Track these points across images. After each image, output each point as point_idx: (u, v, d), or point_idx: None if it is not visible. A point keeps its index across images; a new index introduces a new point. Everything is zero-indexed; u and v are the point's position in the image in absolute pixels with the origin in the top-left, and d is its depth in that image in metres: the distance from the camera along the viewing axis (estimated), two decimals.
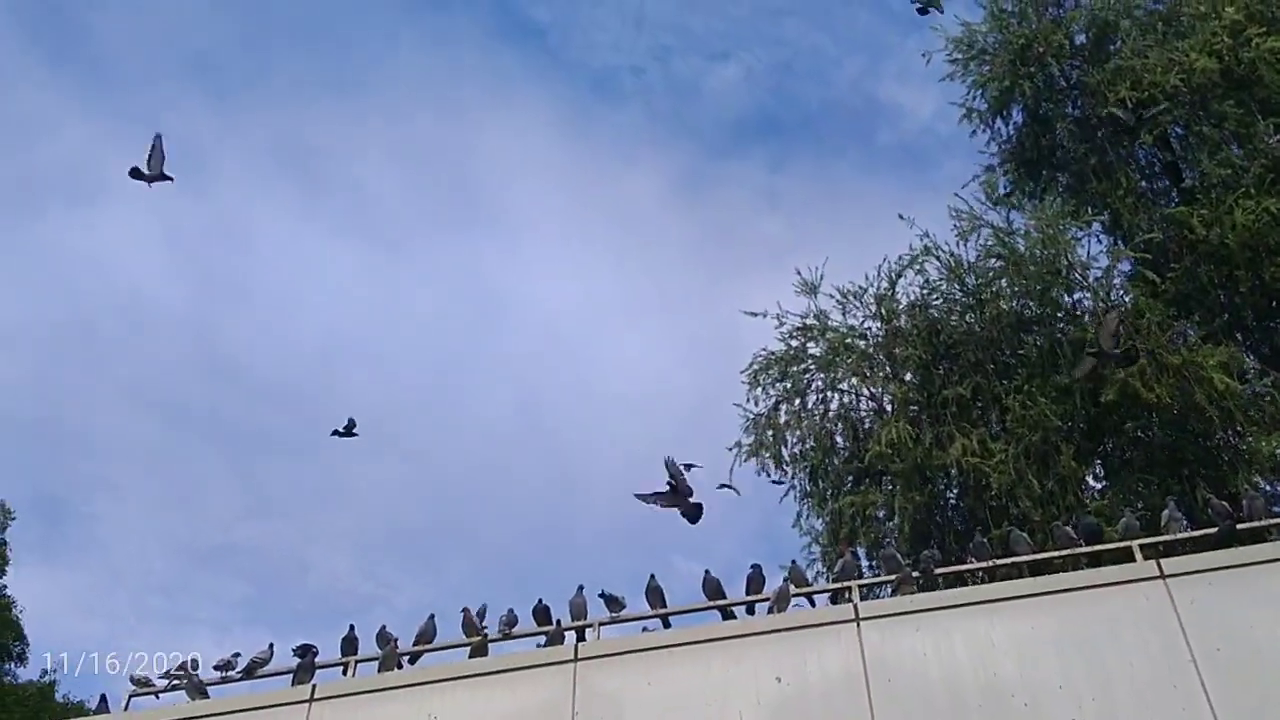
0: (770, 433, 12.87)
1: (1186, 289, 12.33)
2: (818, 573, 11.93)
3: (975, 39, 14.49)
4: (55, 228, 39.72)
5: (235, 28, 41.29)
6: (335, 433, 9.23)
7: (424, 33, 43.93)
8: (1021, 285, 12.36)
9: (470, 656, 7.99)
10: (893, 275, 12.98)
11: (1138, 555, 7.49)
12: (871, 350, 12.92)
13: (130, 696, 8.40)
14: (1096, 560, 8.10)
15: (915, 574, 8.08)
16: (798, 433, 12.95)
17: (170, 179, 9.42)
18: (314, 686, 7.74)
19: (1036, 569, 8.23)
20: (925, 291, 12.92)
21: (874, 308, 13.04)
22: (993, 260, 12.60)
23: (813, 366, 13.08)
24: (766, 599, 8.00)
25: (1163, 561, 6.99)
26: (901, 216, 12.96)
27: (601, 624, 8.15)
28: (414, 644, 8.32)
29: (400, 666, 8.14)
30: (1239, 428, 11.19)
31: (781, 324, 13.18)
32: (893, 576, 8.36)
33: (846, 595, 8.01)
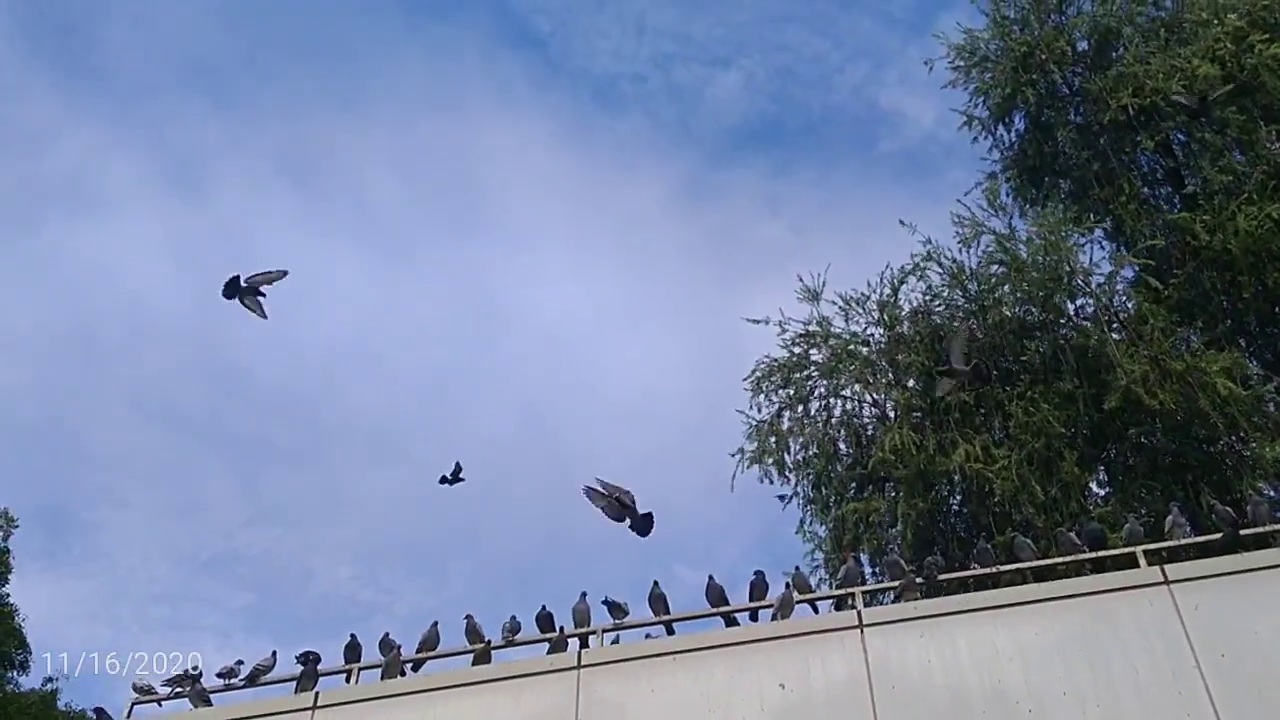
0: (773, 439, 12.87)
1: (1189, 295, 12.34)
2: (821, 579, 11.90)
3: (977, 46, 14.54)
4: (58, 236, 39.87)
5: (238, 38, 41.47)
6: (443, 479, 9.00)
7: (426, 41, 44.09)
8: (1024, 291, 12.37)
9: (473, 663, 7.98)
10: (895, 282, 13.01)
11: (1142, 561, 7.48)
12: (874, 356, 12.92)
13: (132, 705, 8.37)
14: (1100, 566, 8.10)
15: (919, 580, 8.06)
16: (800, 439, 12.95)
17: (263, 295, 9.10)
18: (317, 694, 7.74)
19: (1040, 575, 8.21)
20: (927, 298, 12.95)
21: (876, 314, 13.06)
22: (995, 267, 12.61)
23: (815, 373, 13.09)
24: (770, 605, 7.99)
25: (1167, 567, 6.99)
26: (903, 223, 13.01)
27: (605, 631, 8.14)
28: (417, 651, 8.30)
29: (403, 674, 8.12)
30: (1242, 433, 11.17)
31: (784, 330, 13.21)
32: (896, 583, 8.34)
33: (850, 602, 8.00)
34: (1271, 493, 10.84)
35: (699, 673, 7.08)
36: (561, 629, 8.18)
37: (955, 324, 11.78)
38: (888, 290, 13.03)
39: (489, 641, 8.15)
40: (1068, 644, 6.67)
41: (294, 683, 8.10)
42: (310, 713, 7.55)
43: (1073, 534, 8.49)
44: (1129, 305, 12.37)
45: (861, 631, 7.05)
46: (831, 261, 13.52)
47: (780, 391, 13.11)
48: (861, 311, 13.13)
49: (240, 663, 8.45)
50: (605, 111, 44.41)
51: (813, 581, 9.15)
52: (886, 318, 12.97)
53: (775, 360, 13.18)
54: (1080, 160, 13.94)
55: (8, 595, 19.15)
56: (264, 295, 8.97)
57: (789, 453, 12.91)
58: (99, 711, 8.68)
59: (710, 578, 8.33)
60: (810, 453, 12.95)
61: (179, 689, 8.29)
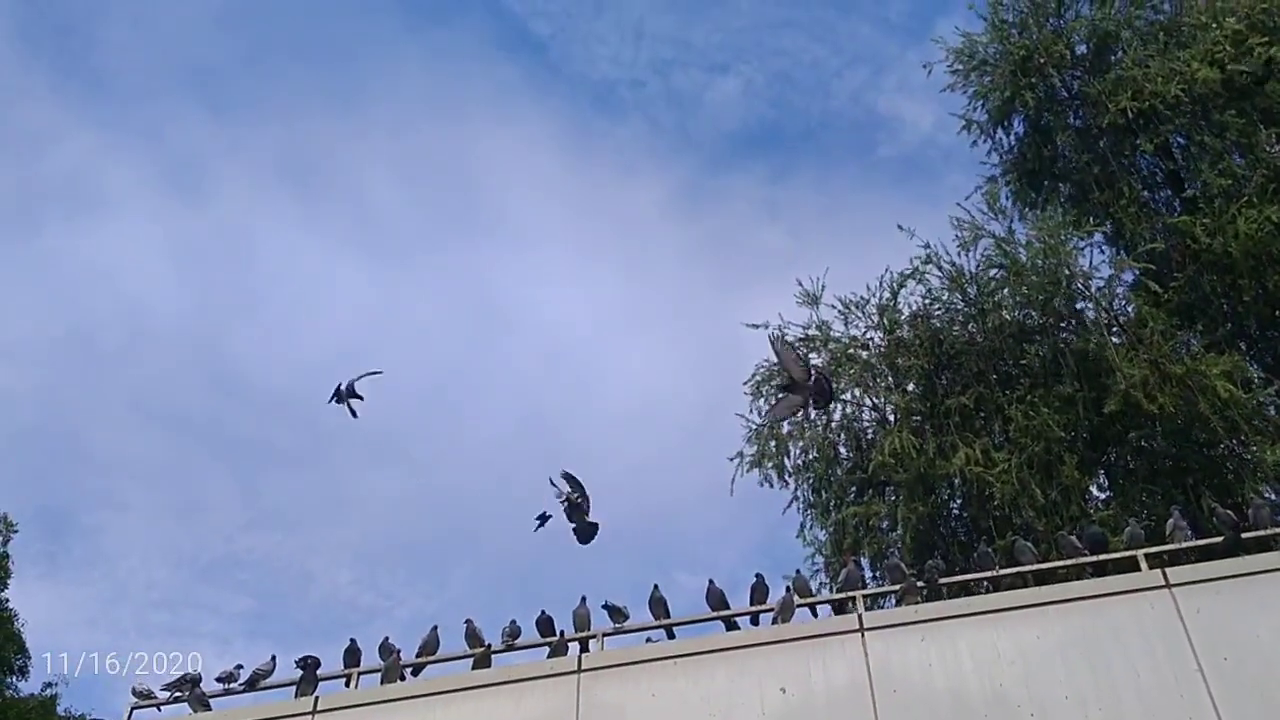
0: (773, 443, 12.87)
1: (1189, 298, 12.34)
2: (821, 584, 11.88)
3: (976, 50, 14.54)
4: (58, 238, 39.86)
5: (238, 39, 41.52)
6: (541, 519, 9.20)
7: (425, 46, 44.11)
8: (1023, 295, 12.36)
9: (474, 668, 7.97)
10: (894, 285, 12.99)
11: (1143, 564, 7.48)
12: (874, 360, 12.91)
13: (132, 709, 8.36)
14: (1101, 570, 8.09)
15: (920, 584, 8.06)
16: (800, 443, 12.94)
17: (360, 397, 9.66)
18: (317, 698, 7.74)
19: (1041, 578, 8.22)
20: (927, 301, 12.93)
21: (876, 318, 13.05)
22: (994, 270, 12.61)
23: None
24: (770, 609, 7.99)
25: (1168, 570, 6.99)
26: (901, 227, 12.98)
27: (605, 635, 8.13)
28: (417, 655, 8.30)
29: (403, 678, 8.12)
30: (1243, 437, 11.16)
31: (783, 335, 13.18)
32: (897, 586, 8.34)
33: (851, 605, 7.99)
34: (1273, 496, 10.81)
35: (699, 677, 7.07)
36: (562, 633, 8.18)
37: (785, 347, 11.33)
38: (887, 294, 13.03)
39: (489, 646, 8.14)
40: (1069, 647, 6.67)
41: (293, 687, 8.09)
42: (310, 717, 7.54)
43: (1074, 537, 8.49)
44: (1129, 309, 12.36)
45: (862, 635, 7.05)
46: (830, 266, 13.51)
47: (780, 395, 13.09)
48: (861, 315, 13.13)
49: (240, 667, 8.44)
50: (604, 116, 44.47)
51: (813, 585, 9.14)
52: (886, 321, 12.96)
53: (775, 364, 13.17)
54: (1080, 164, 13.94)
55: (7, 600, 19.09)
56: (361, 398, 9.63)
57: (789, 457, 12.91)
58: None
59: (710, 581, 8.34)
60: (810, 457, 12.95)
61: (178, 694, 8.29)
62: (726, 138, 42.67)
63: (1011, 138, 14.78)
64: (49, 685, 19.11)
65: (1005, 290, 12.55)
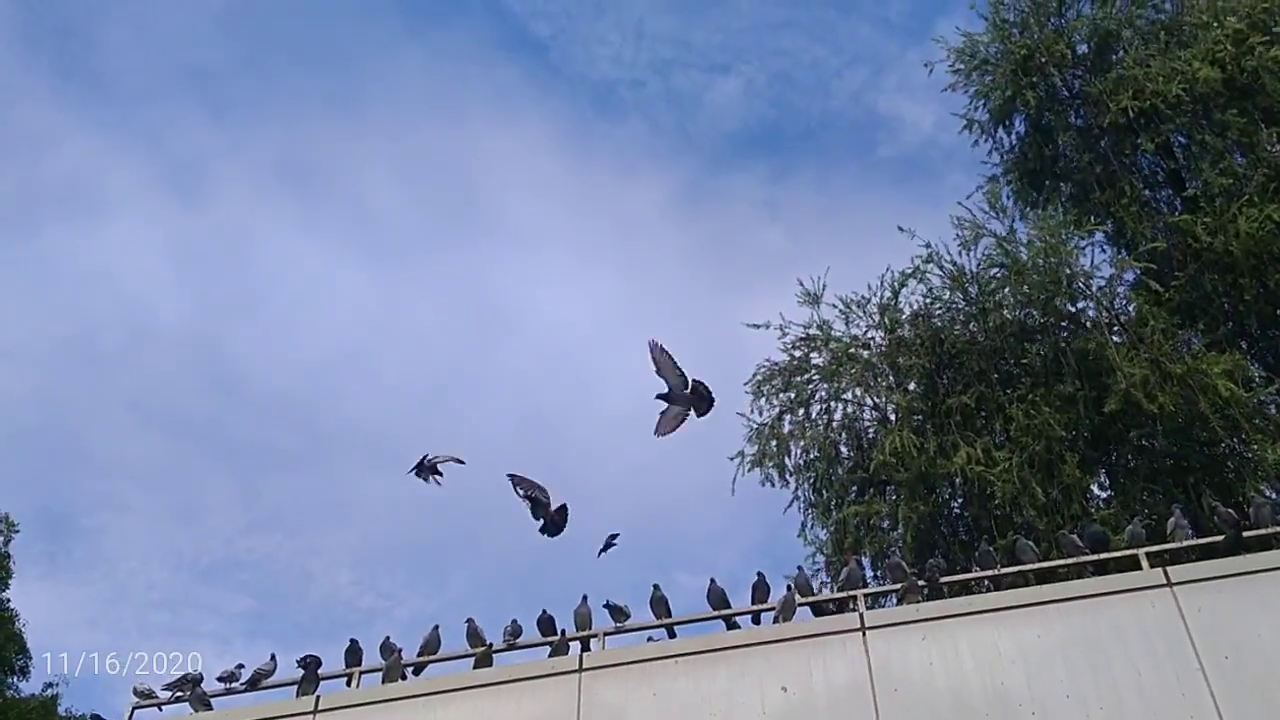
0: (774, 443, 12.85)
1: (1190, 297, 12.33)
2: (822, 583, 11.86)
3: (977, 49, 14.54)
4: (57, 240, 39.95)
5: (237, 41, 41.55)
6: (607, 547, 9.29)
7: (425, 46, 44.13)
8: (1024, 294, 12.36)
9: (474, 667, 7.97)
10: (895, 285, 12.99)
11: (1144, 563, 7.47)
12: (875, 360, 12.90)
13: (133, 709, 8.37)
14: (1103, 568, 8.09)
15: (921, 583, 8.05)
16: (801, 443, 12.93)
17: (440, 475, 9.55)
18: (318, 698, 7.74)
19: (1042, 577, 8.20)
20: (928, 301, 12.93)
21: (877, 317, 13.04)
22: (995, 270, 12.60)
23: (816, 376, 13.07)
24: (771, 609, 7.99)
25: (1169, 569, 6.98)
26: (901, 228, 12.98)
27: (606, 634, 8.13)
28: (418, 655, 8.30)
29: (404, 677, 8.12)
30: (1244, 436, 11.16)
31: (784, 334, 13.19)
32: (898, 585, 8.33)
33: (852, 605, 7.99)
34: (1274, 495, 10.81)
35: (700, 676, 7.07)
36: (563, 632, 8.18)
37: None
38: (888, 293, 13.03)
39: (490, 645, 8.14)
40: (1070, 646, 6.66)
41: (294, 687, 8.10)
42: (311, 716, 7.55)
43: (1075, 536, 8.48)
44: (1130, 308, 12.36)
45: (863, 634, 7.04)
46: (831, 266, 13.44)
47: (781, 395, 13.09)
48: (862, 315, 13.12)
49: (241, 667, 8.45)
50: (604, 117, 44.46)
51: (814, 584, 9.13)
52: (887, 321, 12.96)
53: (776, 364, 13.17)
54: (1081, 163, 13.94)
55: (8, 600, 19.11)
56: (441, 477, 9.53)
57: (790, 456, 12.90)
58: (96, 718, 8.67)
59: (711, 580, 8.35)
60: (811, 456, 12.94)
61: (179, 693, 8.29)
62: (726, 138, 42.72)
63: (1013, 137, 14.80)
64: (50, 685, 19.13)
65: (1006, 289, 12.55)
